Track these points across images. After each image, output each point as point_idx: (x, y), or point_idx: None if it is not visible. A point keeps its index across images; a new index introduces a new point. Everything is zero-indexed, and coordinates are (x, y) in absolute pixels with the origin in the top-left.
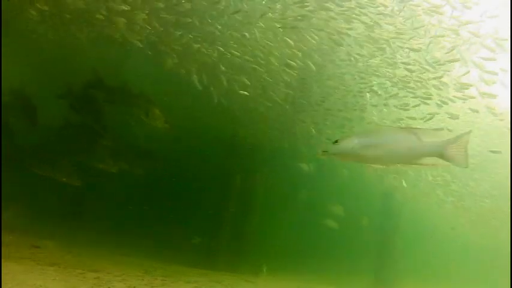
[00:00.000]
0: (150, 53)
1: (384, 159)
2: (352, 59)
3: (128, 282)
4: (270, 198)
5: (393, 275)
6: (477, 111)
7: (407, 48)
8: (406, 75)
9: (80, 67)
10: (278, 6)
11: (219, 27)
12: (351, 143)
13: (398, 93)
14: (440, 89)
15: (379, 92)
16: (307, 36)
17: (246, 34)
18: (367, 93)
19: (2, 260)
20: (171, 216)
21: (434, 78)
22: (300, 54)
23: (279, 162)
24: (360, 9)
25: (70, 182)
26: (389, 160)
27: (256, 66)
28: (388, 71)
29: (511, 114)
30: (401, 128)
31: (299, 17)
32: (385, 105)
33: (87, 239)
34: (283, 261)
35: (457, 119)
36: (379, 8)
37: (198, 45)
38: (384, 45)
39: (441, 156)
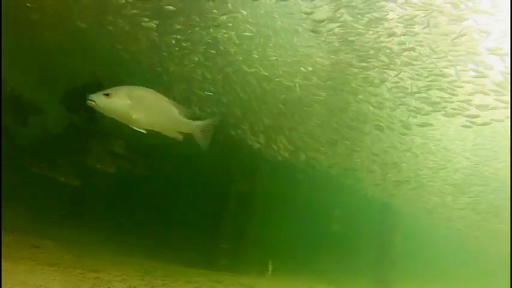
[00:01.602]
0: (149, 55)
1: (145, 124)
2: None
3: (128, 282)
4: (270, 199)
5: (393, 276)
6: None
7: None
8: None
9: (79, 69)
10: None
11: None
12: (121, 102)
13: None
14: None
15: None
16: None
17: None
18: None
19: (2, 260)
20: (171, 216)
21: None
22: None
23: (279, 162)
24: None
25: (69, 181)
26: (150, 126)
27: (256, 67)
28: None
29: (511, 115)
30: (168, 99)
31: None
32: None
33: (87, 239)
34: (283, 261)
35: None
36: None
37: (198, 46)
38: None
39: (192, 134)
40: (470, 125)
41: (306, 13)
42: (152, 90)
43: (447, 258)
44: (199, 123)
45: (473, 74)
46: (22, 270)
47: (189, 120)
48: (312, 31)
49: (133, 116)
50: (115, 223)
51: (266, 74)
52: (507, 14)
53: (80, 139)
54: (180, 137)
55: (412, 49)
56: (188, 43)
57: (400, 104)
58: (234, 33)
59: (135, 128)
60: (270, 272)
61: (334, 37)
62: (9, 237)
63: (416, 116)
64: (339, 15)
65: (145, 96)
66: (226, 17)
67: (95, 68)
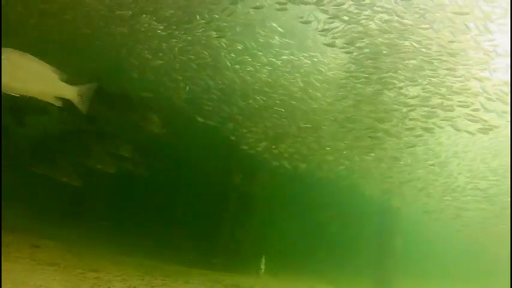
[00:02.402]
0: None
1: (19, 89)
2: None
3: (128, 282)
4: (270, 199)
5: (393, 276)
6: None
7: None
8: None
9: (79, 70)
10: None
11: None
12: None
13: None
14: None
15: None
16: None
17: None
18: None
19: (2, 260)
20: (171, 216)
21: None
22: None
23: (279, 162)
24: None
25: (70, 182)
26: (25, 91)
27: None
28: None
29: (510, 116)
30: (44, 63)
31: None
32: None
33: (87, 239)
34: (283, 261)
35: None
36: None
37: (197, 47)
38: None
39: (72, 99)
40: (473, 131)
41: (304, 22)
42: (28, 54)
43: (447, 258)
44: (76, 87)
45: (473, 78)
46: (22, 270)
47: (66, 85)
48: (327, 45)
49: (6, 80)
50: (115, 223)
51: (268, 79)
52: (507, 17)
53: (80, 139)
54: (59, 103)
55: (414, 56)
56: (190, 52)
57: (401, 108)
58: (235, 38)
59: (8, 93)
60: (263, 270)
61: (338, 40)
62: (9, 237)
63: (418, 120)
64: (339, 24)
65: (20, 60)
66: (228, 22)
67: (95, 69)
